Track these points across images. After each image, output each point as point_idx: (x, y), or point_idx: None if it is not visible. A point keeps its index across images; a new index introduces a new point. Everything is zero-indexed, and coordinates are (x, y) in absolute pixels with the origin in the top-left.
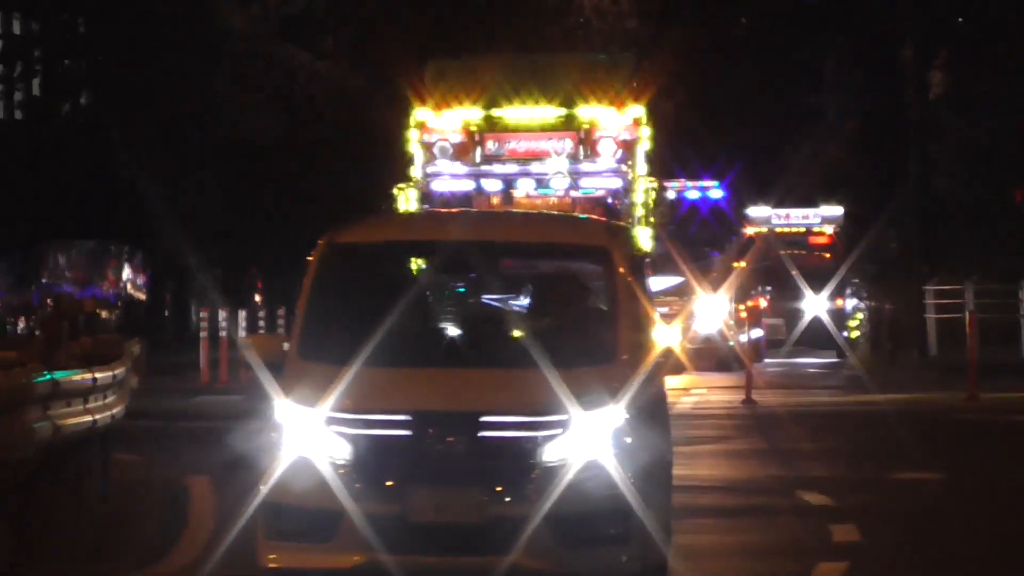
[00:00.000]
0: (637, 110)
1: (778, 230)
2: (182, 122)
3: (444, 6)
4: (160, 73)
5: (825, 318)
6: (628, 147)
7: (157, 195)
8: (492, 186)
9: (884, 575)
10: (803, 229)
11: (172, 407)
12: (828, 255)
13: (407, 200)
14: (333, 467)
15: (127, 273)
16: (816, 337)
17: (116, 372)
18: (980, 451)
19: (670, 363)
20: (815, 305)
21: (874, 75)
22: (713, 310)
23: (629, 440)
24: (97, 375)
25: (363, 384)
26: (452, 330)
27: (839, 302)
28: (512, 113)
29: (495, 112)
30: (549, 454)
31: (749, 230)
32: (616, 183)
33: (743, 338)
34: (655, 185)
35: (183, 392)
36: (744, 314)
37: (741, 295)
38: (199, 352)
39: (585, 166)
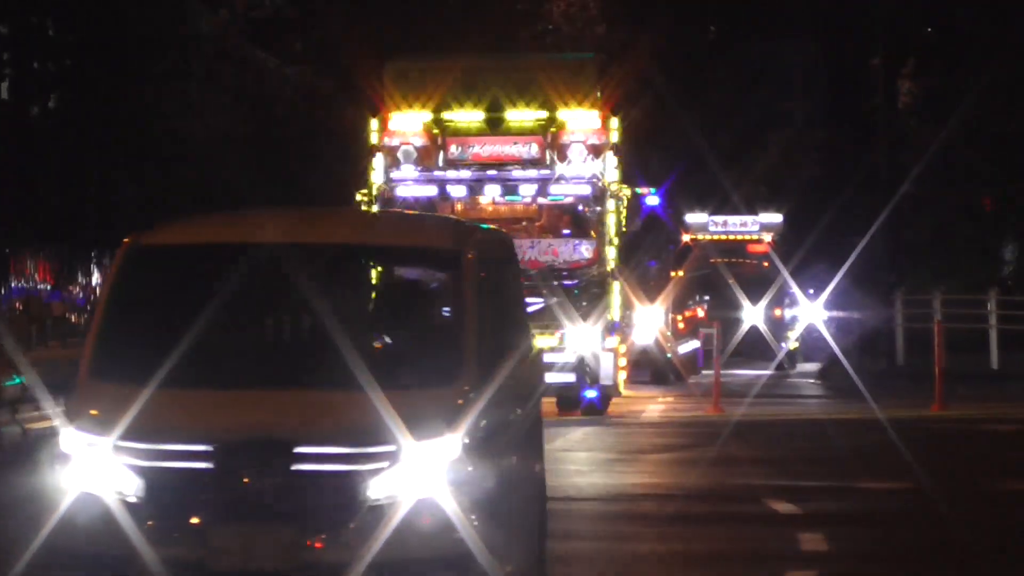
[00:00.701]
0: (606, 113)
1: (715, 238)
2: (152, 124)
3: (412, 9)
4: (129, 76)
5: (763, 328)
6: (597, 152)
7: (126, 198)
8: (457, 192)
9: None
10: (741, 237)
11: None
12: (767, 264)
13: (370, 207)
14: (123, 504)
15: (96, 277)
16: (753, 348)
17: None
18: (948, 460)
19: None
20: (752, 315)
21: (843, 83)
22: (650, 320)
23: (472, 473)
24: None
25: (159, 408)
26: (267, 345)
27: (777, 312)
28: (475, 116)
29: (457, 114)
30: (374, 490)
31: (686, 237)
32: (585, 190)
33: (684, 348)
34: (628, 193)
35: None
36: (682, 324)
37: (678, 305)
38: None
39: (556, 172)
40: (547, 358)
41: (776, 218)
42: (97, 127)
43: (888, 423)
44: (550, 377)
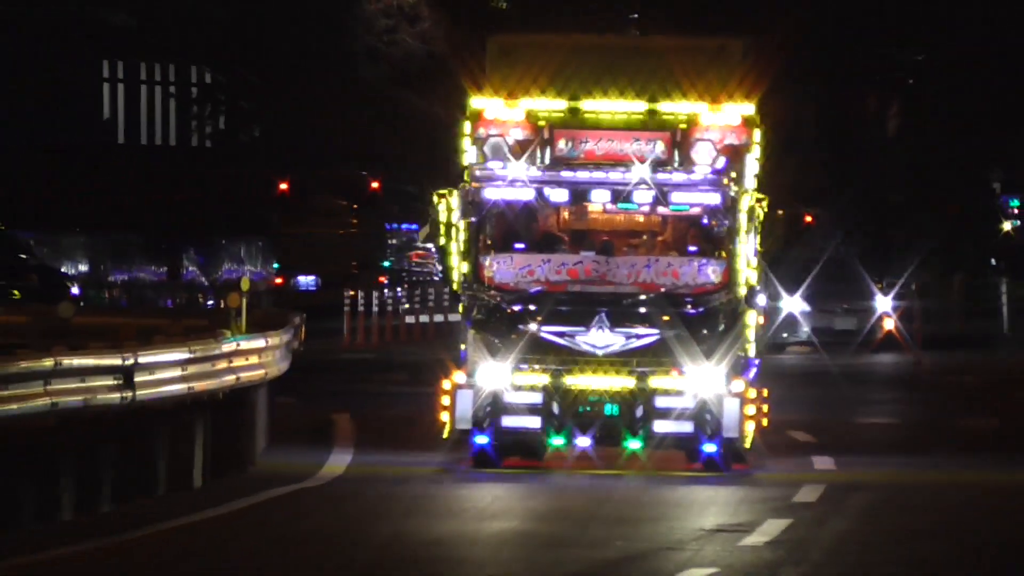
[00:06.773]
0: (747, 108)
1: None
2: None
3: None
4: (317, 113)
5: None
6: (735, 154)
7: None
8: (557, 196)
9: (856, 487)
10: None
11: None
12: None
13: (448, 209)
14: None
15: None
16: None
17: (282, 336)
18: (926, 402)
19: None
20: None
21: (833, 97)
22: None
23: None
24: (269, 339)
25: None
26: None
27: None
28: (591, 105)
29: (570, 103)
30: None
31: None
32: (714, 198)
33: None
34: (765, 204)
35: (329, 351)
36: None
37: None
38: (343, 321)
39: (677, 176)
40: (660, 403)
41: None
42: (290, 149)
43: (876, 374)
44: (663, 426)
